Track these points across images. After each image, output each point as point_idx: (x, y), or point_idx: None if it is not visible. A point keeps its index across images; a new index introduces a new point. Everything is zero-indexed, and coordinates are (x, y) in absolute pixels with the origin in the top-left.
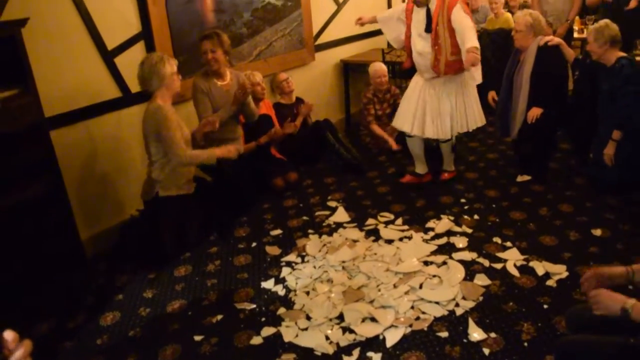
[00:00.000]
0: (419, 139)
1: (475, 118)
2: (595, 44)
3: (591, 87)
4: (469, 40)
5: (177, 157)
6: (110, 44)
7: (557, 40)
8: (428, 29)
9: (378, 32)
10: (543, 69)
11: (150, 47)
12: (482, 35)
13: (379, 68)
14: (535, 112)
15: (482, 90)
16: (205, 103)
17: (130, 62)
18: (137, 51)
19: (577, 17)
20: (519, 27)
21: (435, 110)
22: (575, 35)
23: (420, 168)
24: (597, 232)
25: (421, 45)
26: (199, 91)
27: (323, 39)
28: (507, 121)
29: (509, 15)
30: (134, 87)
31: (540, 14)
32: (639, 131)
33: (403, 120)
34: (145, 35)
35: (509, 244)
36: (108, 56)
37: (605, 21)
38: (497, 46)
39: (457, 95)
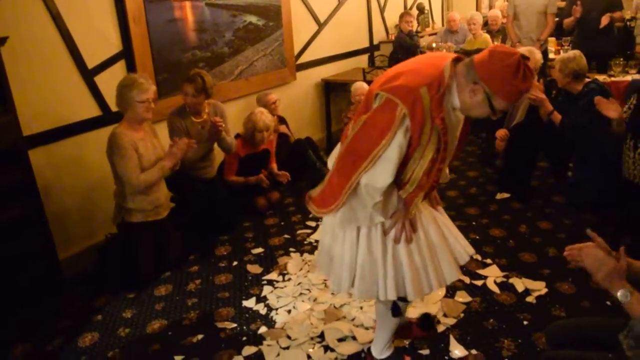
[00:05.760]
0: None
1: None
2: (560, 74)
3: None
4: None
5: (130, 185)
6: (91, 63)
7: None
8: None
9: (359, 52)
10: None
11: (131, 66)
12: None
13: (359, 87)
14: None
15: None
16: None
17: (110, 81)
18: (118, 70)
19: (553, 38)
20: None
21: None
22: (551, 55)
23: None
24: None
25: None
26: (175, 130)
27: (304, 59)
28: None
29: (487, 36)
30: (114, 106)
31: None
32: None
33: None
34: (126, 54)
35: (489, 260)
36: (88, 75)
37: (574, 53)
38: None
39: None
